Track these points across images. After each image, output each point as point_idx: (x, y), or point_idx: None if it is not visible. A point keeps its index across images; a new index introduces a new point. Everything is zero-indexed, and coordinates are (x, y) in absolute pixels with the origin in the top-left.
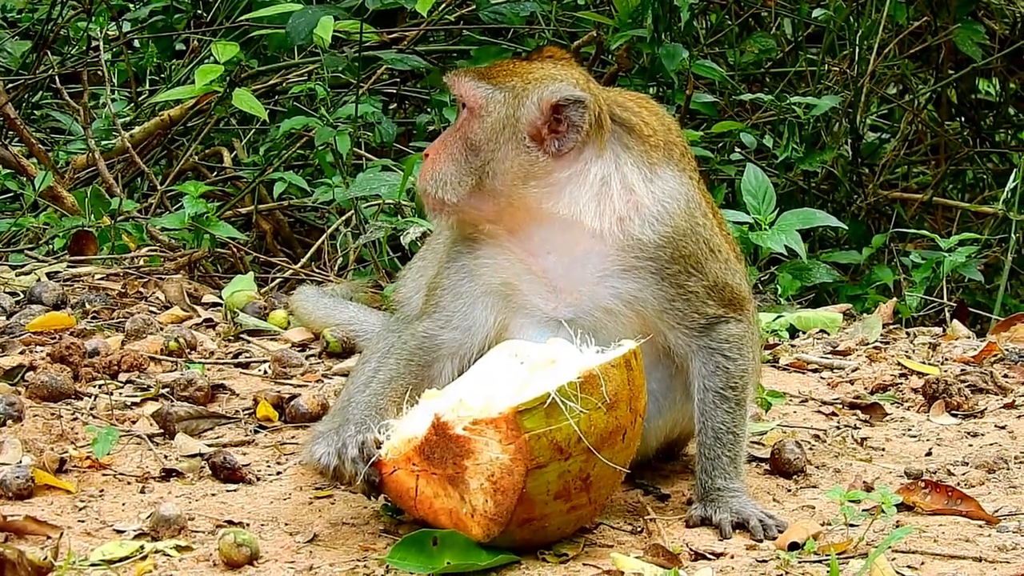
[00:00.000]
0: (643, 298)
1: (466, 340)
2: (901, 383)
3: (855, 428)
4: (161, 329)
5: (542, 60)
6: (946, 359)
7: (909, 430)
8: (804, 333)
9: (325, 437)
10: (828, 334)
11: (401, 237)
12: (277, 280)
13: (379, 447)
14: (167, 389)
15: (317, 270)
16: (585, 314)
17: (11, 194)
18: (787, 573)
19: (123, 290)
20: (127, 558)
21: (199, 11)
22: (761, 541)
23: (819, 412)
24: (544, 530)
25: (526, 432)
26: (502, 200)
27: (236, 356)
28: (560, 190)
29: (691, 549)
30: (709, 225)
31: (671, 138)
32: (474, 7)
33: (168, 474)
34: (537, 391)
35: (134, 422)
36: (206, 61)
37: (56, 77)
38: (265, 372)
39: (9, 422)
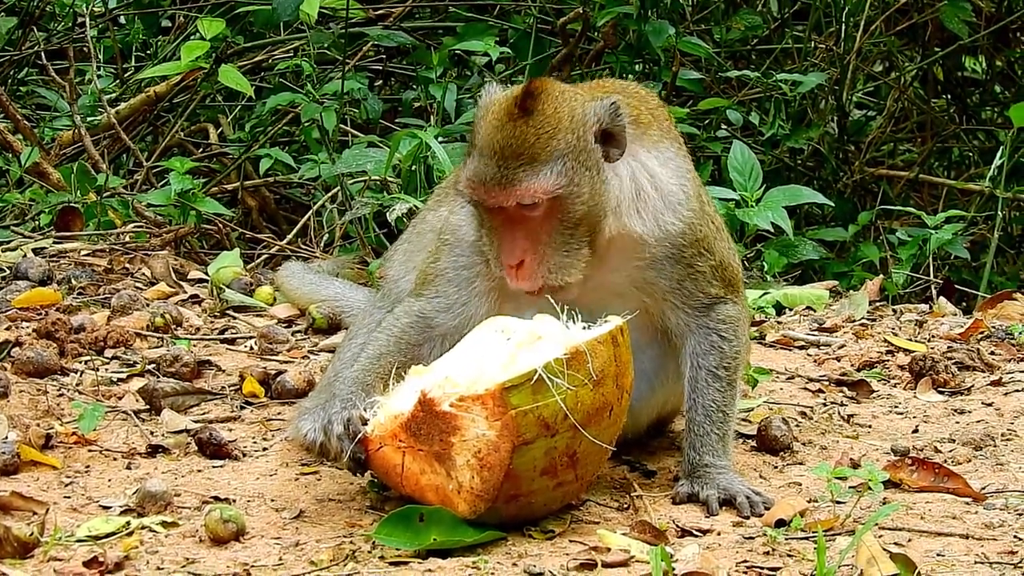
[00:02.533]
0: (655, 282)
1: (463, 325)
2: (888, 360)
3: (842, 405)
4: (147, 305)
5: (536, 102)
6: (932, 336)
7: (896, 407)
8: (790, 310)
9: (311, 413)
10: (814, 311)
11: (387, 214)
12: (263, 256)
13: (365, 424)
14: (153, 365)
15: (303, 246)
16: (595, 301)
17: None
18: (774, 550)
19: (109, 266)
20: (113, 534)
21: None
22: (748, 518)
23: (806, 389)
24: (530, 507)
25: (512, 409)
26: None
27: (222, 332)
28: (618, 205)
29: (678, 526)
30: (709, 201)
31: (650, 105)
32: None
33: (154, 450)
34: (524, 367)
35: (120, 398)
36: (192, 37)
37: (42, 53)
38: (251, 348)
39: None
